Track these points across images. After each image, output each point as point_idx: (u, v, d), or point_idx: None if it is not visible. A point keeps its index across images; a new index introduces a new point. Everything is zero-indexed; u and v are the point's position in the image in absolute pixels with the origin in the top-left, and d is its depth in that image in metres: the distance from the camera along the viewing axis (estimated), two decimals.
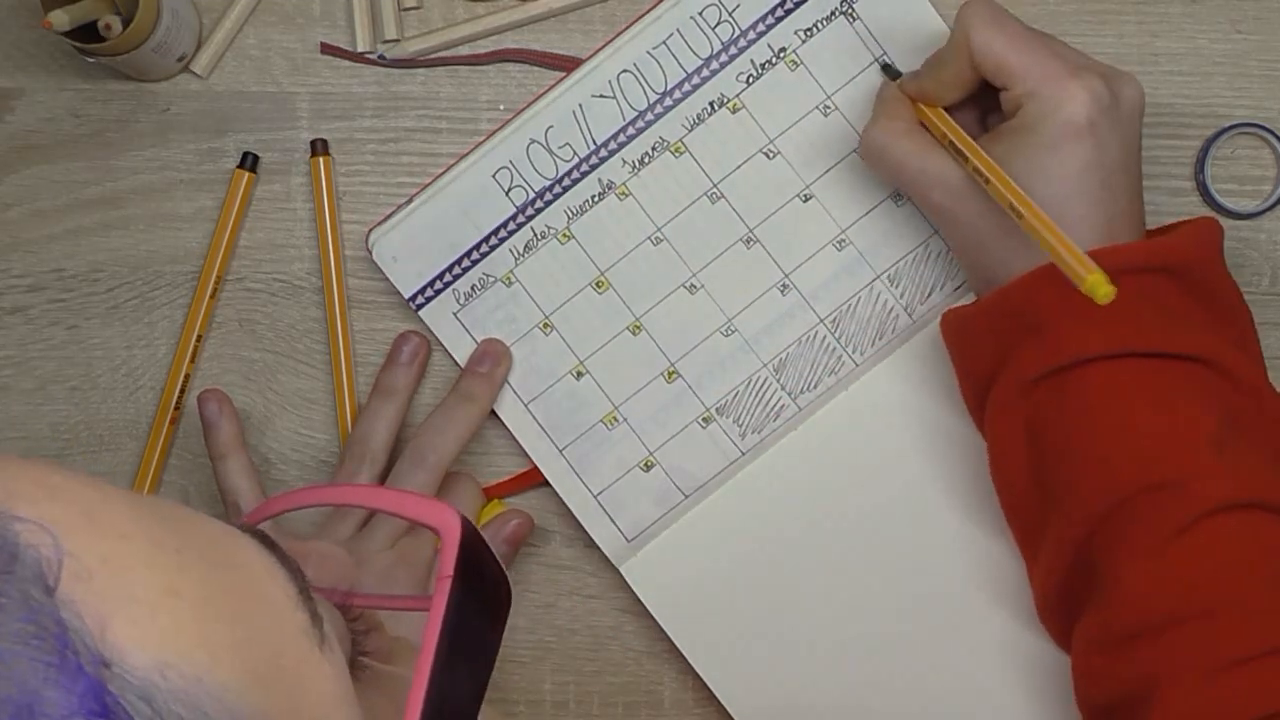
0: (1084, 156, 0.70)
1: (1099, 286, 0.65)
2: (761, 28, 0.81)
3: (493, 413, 0.83)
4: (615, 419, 0.83)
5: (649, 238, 0.82)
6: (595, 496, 0.83)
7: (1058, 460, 0.73)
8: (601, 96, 0.81)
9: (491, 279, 0.82)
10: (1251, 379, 0.72)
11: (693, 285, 0.82)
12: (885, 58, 0.81)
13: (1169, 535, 0.69)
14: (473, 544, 0.48)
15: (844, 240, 0.82)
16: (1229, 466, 0.70)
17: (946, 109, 0.76)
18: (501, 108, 0.83)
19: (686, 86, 0.81)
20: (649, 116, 0.82)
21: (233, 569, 0.39)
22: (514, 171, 0.82)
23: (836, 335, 0.83)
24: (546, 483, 0.83)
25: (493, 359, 0.82)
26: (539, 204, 0.82)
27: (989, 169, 0.71)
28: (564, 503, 0.83)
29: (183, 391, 0.84)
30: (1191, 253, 0.73)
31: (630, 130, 0.82)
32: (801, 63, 0.81)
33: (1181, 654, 0.69)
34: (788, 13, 0.81)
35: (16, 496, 0.35)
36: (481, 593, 0.48)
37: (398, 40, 0.83)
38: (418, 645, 0.60)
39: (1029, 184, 0.70)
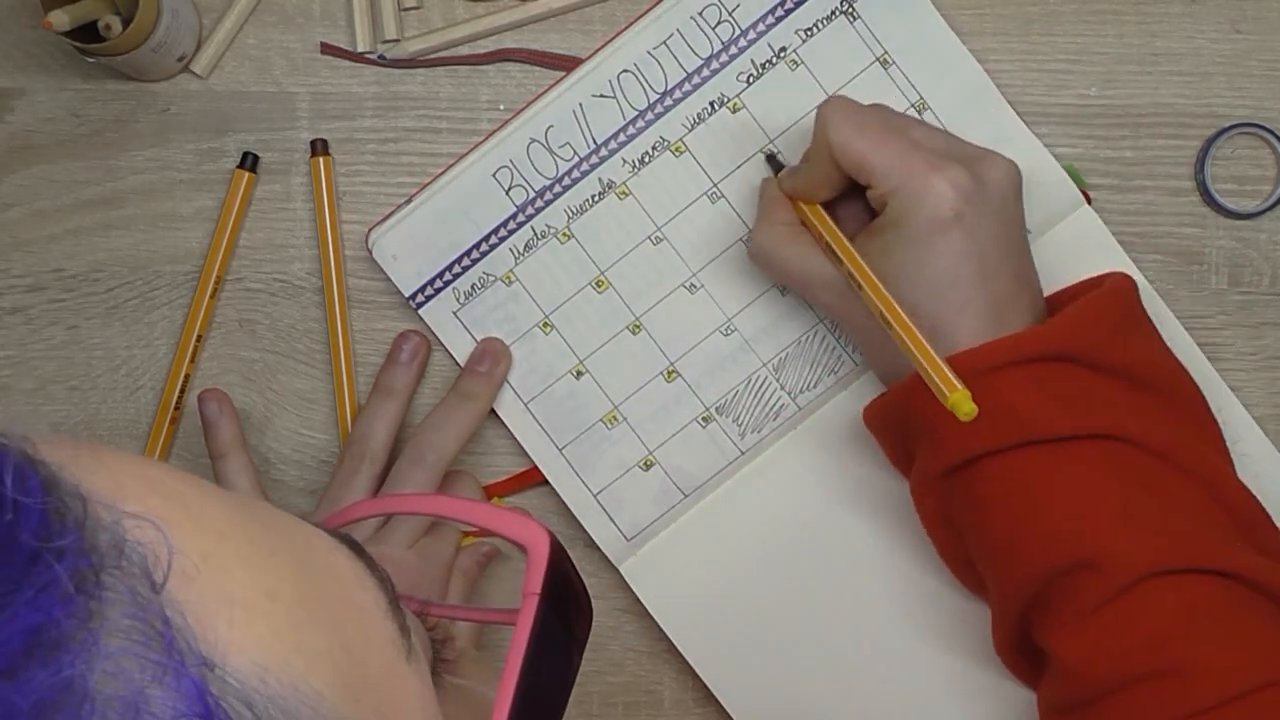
0: (956, 247, 0.70)
1: (961, 405, 0.66)
2: (762, 27, 0.81)
3: (493, 412, 0.83)
4: (615, 418, 0.83)
5: (649, 237, 0.82)
6: (595, 496, 0.83)
7: (976, 549, 0.74)
8: (602, 96, 0.81)
9: (491, 278, 0.82)
10: (1163, 443, 0.72)
11: (693, 285, 0.82)
12: (771, 146, 0.81)
13: (1092, 610, 0.69)
14: (560, 563, 0.48)
15: None
16: (1139, 538, 0.70)
17: (831, 202, 0.76)
18: (501, 108, 0.83)
19: (687, 86, 0.81)
20: (649, 116, 0.82)
21: (325, 574, 0.38)
22: (514, 171, 0.82)
23: (836, 335, 0.82)
24: (546, 482, 0.83)
25: (492, 358, 0.82)
26: (539, 203, 0.82)
27: (860, 274, 0.71)
28: (564, 502, 0.83)
29: (183, 391, 0.84)
30: (1086, 334, 0.72)
31: (630, 130, 0.82)
32: (802, 62, 0.81)
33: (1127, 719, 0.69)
34: (788, 12, 0.81)
35: (124, 491, 0.34)
36: (566, 612, 0.48)
37: (398, 40, 0.83)
38: (477, 656, 0.59)
39: (905, 280, 0.71)
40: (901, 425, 0.75)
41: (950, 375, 0.67)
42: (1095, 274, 0.78)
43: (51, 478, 0.33)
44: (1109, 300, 0.74)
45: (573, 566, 0.49)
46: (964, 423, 0.68)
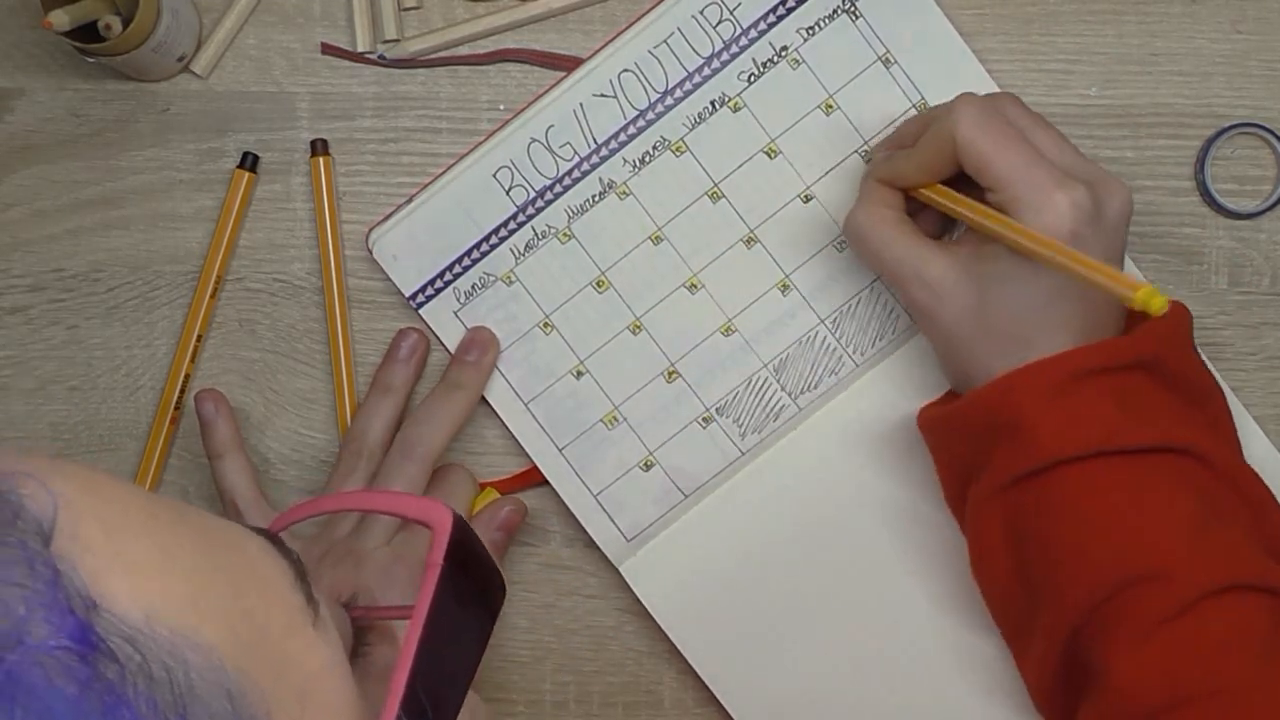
0: None
1: (1151, 300, 0.64)
2: (763, 26, 0.81)
3: (493, 412, 0.83)
4: (615, 419, 0.83)
5: (649, 237, 0.82)
6: (595, 496, 0.83)
7: (1040, 558, 0.73)
8: (602, 95, 0.81)
9: (492, 278, 0.82)
10: (1225, 461, 0.73)
11: (693, 285, 0.82)
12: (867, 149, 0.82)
13: (1156, 625, 0.69)
14: (464, 536, 0.50)
15: (845, 241, 0.82)
16: (1209, 552, 0.70)
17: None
18: (501, 108, 0.83)
19: (688, 85, 0.81)
20: (650, 115, 0.82)
21: (229, 549, 0.41)
22: (514, 170, 0.82)
23: (837, 336, 0.82)
24: (546, 482, 0.83)
25: (480, 347, 0.82)
26: (539, 203, 0.82)
27: (1006, 225, 0.70)
28: (564, 502, 0.83)
29: (183, 391, 0.84)
30: (1163, 345, 0.73)
31: (631, 129, 0.81)
32: (803, 61, 0.81)
33: None
34: (789, 11, 0.81)
35: (22, 471, 0.37)
36: (471, 582, 0.50)
37: (398, 40, 0.83)
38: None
39: (1009, 286, 0.71)
40: (974, 430, 0.74)
41: (1129, 279, 0.66)
42: None
43: None
44: (1180, 315, 0.75)
45: (478, 541, 0.51)
46: (1052, 428, 0.69)
